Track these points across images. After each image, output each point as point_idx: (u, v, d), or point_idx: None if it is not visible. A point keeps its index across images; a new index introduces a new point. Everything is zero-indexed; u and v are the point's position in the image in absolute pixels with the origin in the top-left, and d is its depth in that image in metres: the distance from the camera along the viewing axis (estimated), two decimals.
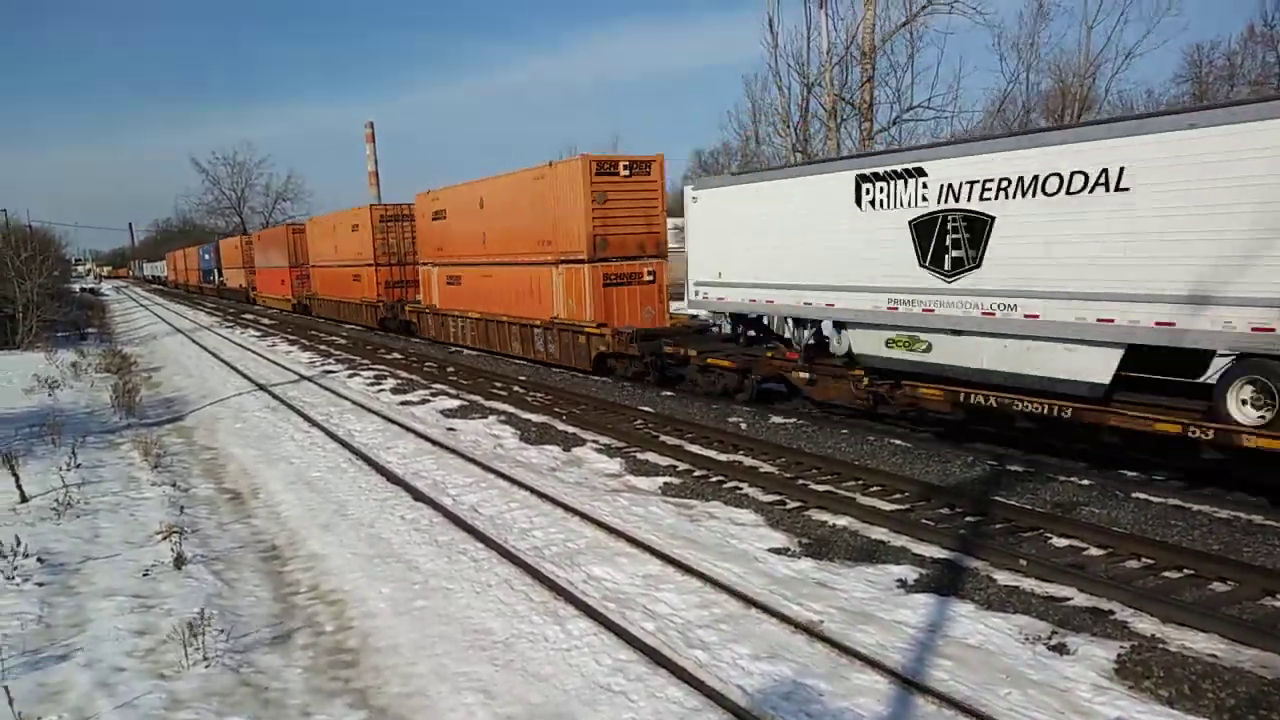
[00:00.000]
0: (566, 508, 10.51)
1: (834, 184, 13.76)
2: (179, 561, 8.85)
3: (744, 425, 14.90)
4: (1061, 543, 8.87)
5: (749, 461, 12.55)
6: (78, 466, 12.75)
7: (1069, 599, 7.52)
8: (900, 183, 12.64)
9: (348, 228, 36.24)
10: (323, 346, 31.38)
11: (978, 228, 11.60)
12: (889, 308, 13.05)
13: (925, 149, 13.45)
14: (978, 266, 11.68)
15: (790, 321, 15.88)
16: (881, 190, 12.96)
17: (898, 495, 10.64)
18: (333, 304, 39.73)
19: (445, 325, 28.31)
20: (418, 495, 11.36)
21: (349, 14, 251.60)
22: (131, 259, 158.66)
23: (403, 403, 18.71)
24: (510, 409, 17.30)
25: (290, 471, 13.10)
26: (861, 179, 13.25)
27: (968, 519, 9.70)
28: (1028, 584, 7.85)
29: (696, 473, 12.10)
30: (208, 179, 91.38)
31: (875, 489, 10.92)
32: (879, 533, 9.37)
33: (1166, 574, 7.99)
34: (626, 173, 20.22)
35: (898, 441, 13.30)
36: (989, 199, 11.43)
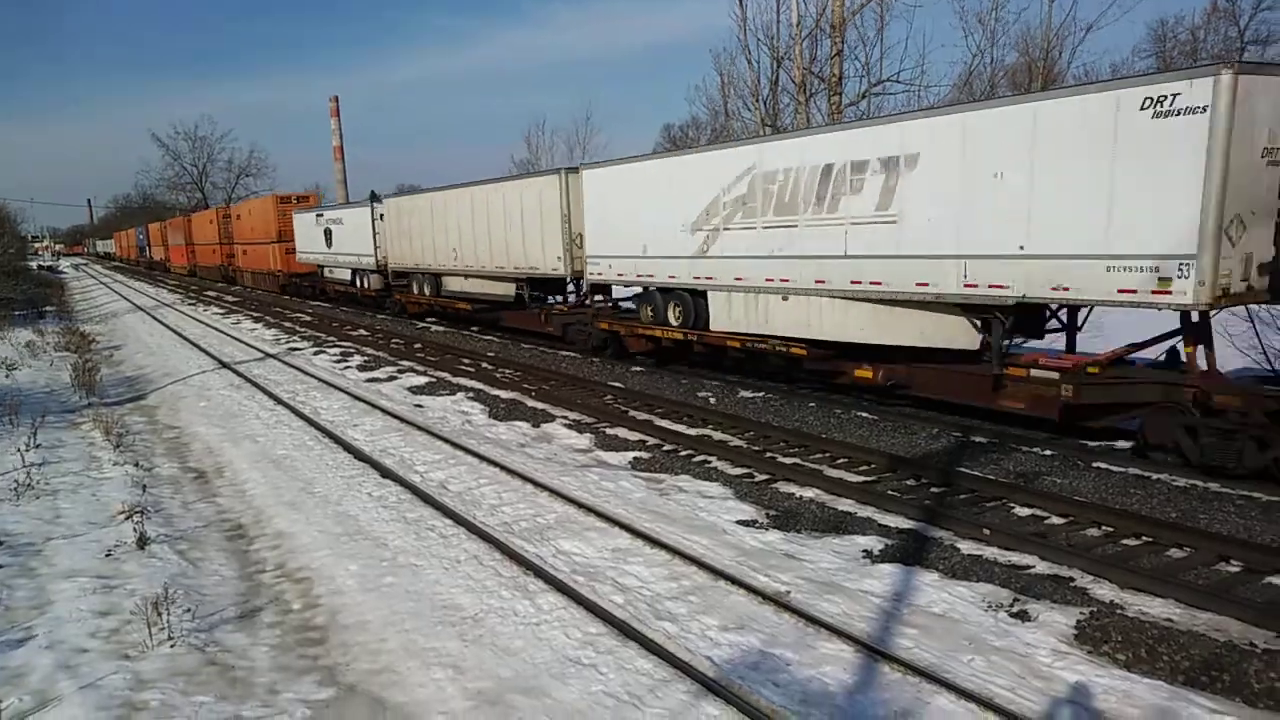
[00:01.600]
0: (536, 483, 10.50)
1: (311, 215, 37.95)
2: (142, 541, 8.74)
3: (713, 400, 14.95)
4: (1024, 512, 9.01)
5: (718, 435, 12.60)
6: (37, 447, 12.52)
7: (1031, 567, 7.66)
8: (320, 216, 36.39)
9: (208, 220, 58.16)
10: (288, 324, 31.04)
11: (331, 233, 35.05)
12: (325, 258, 36.50)
13: (329, 207, 39.27)
14: (332, 246, 35.21)
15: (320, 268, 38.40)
16: (318, 220, 36.44)
17: (864, 467, 10.75)
18: (205, 268, 60.70)
19: (243, 276, 50.51)
20: (385, 472, 11.29)
21: None
22: (85, 237, 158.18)
23: (369, 380, 18.55)
24: (479, 385, 17.22)
25: (256, 450, 12.96)
26: (317, 216, 36.83)
27: (933, 490, 9.82)
28: (990, 553, 7.97)
29: (666, 447, 12.13)
30: (168, 154, 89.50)
31: (842, 461, 11.02)
32: (846, 504, 9.47)
33: (1125, 541, 8.16)
34: (297, 201, 43.50)
35: (864, 414, 13.42)
36: (333, 225, 35.09)
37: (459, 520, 9.28)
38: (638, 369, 18.24)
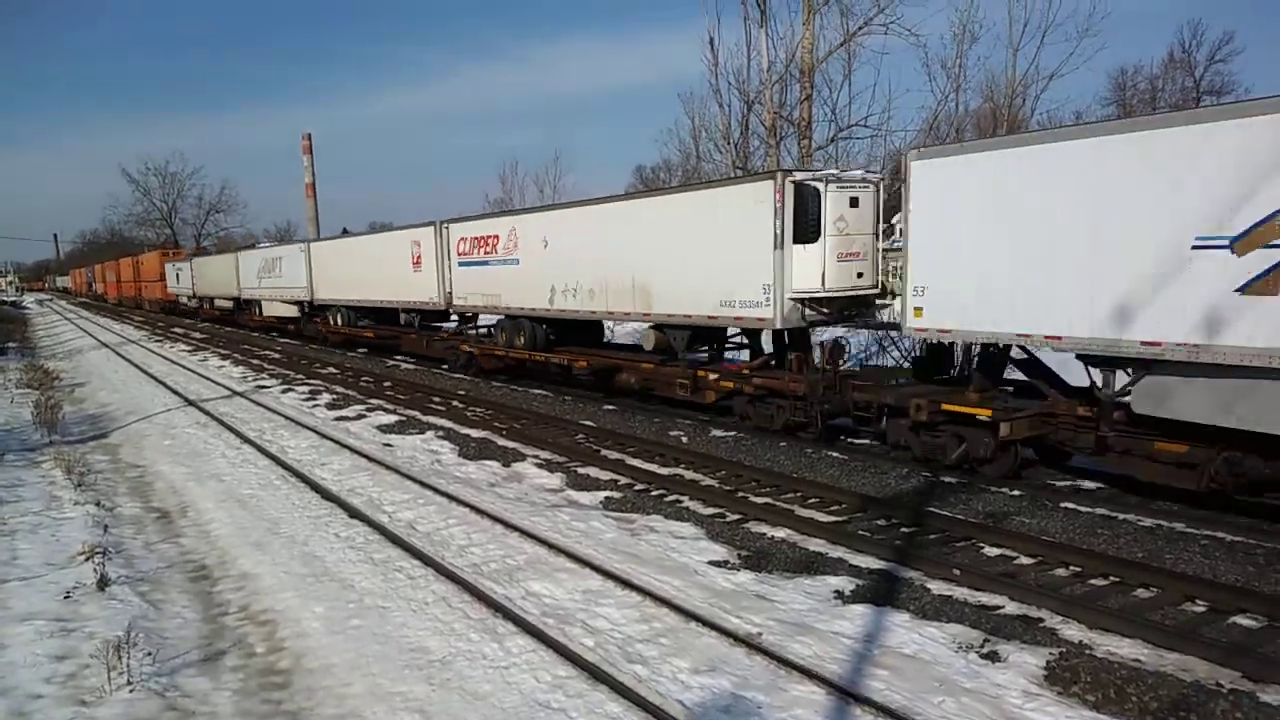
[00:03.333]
0: (506, 524, 10.41)
1: (173, 264, 60.75)
2: (103, 583, 8.54)
3: (685, 439, 14.96)
4: (993, 552, 9.07)
5: (690, 475, 12.59)
6: None
7: (1000, 607, 7.69)
8: (174, 265, 59.54)
9: (128, 265, 75.00)
10: (255, 361, 30.72)
11: (179, 275, 57.28)
12: (176, 289, 58.22)
13: (182, 259, 59.57)
14: (179, 283, 57.54)
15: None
16: (173, 267, 59.50)
17: (835, 507, 10.78)
18: (127, 298, 77.20)
19: (144, 303, 68.42)
20: (353, 512, 11.15)
21: (286, 22, 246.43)
22: (45, 274, 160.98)
23: (338, 418, 18.37)
24: (449, 424, 17.11)
25: (221, 489, 12.76)
26: (173, 265, 59.93)
27: (903, 530, 9.86)
28: (961, 593, 8.00)
29: (638, 487, 12.10)
30: (138, 189, 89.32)
31: (813, 501, 11.04)
32: (817, 544, 9.47)
33: (1093, 581, 8.23)
34: (173, 255, 63.73)
35: (835, 454, 13.48)
36: (179, 271, 57.73)
37: (427, 561, 9.17)
38: (610, 408, 18.24)
